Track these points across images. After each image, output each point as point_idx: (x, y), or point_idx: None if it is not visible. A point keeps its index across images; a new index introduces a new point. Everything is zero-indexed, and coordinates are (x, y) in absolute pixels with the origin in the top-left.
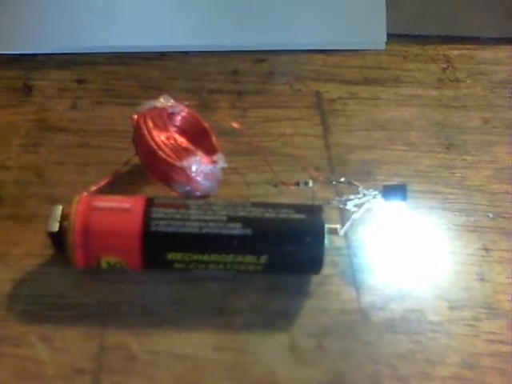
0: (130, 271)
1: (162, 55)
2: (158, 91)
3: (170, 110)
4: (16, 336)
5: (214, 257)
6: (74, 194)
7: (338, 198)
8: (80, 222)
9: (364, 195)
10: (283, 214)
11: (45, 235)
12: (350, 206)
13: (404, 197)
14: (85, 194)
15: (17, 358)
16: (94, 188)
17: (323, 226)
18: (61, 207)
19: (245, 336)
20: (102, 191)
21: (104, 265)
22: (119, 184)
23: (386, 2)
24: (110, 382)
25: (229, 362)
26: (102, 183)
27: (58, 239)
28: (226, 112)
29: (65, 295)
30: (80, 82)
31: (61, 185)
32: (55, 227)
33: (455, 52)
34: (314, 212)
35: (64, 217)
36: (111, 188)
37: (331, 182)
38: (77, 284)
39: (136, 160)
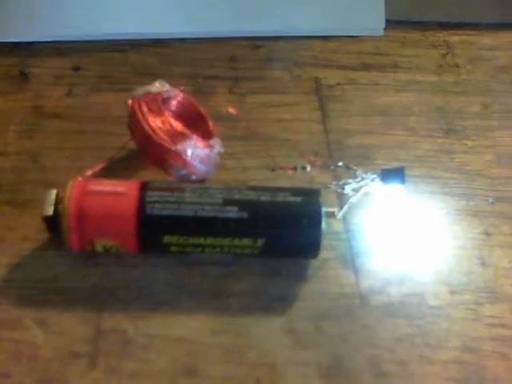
0: (126, 255)
1: (158, 42)
2: (154, 78)
3: (165, 95)
4: (12, 320)
5: (210, 240)
6: (69, 179)
7: (335, 182)
8: (74, 205)
9: (362, 179)
10: (280, 197)
11: (41, 220)
12: (347, 189)
13: (402, 180)
14: (79, 178)
15: (12, 342)
16: (89, 173)
17: (320, 208)
18: (55, 191)
19: (242, 319)
20: (97, 176)
21: (99, 248)
22: (115, 169)
23: None
24: (106, 365)
25: (226, 345)
26: (98, 168)
27: (53, 223)
28: (224, 98)
29: (61, 279)
30: (76, 69)
31: (57, 170)
32: (50, 211)
33: (455, 38)
34: (310, 195)
35: (58, 201)
36: (107, 173)
37: (329, 167)
38: (73, 268)
39: (132, 145)
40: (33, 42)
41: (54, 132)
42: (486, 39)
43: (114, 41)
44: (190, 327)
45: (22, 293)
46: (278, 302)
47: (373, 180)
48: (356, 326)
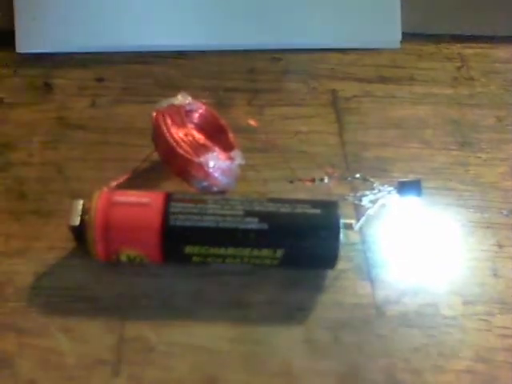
0: (149, 265)
1: (179, 54)
2: (176, 89)
3: (187, 108)
4: (38, 327)
5: (231, 250)
6: (93, 190)
7: (353, 194)
8: (100, 216)
9: (379, 191)
10: (299, 209)
11: (66, 229)
12: (365, 201)
13: (419, 192)
14: (105, 189)
15: (39, 349)
16: (114, 183)
17: (338, 220)
18: (82, 202)
19: (261, 328)
20: (121, 187)
21: (123, 258)
22: (138, 180)
23: (401, 1)
24: (129, 372)
25: (245, 353)
26: (122, 179)
27: (79, 233)
28: (243, 110)
29: (85, 288)
30: (99, 80)
31: (81, 181)
32: (76, 221)
33: (470, 51)
34: (329, 207)
35: (85, 211)
36: (131, 184)
37: (346, 179)
38: (97, 277)
39: (155, 157)
40: (57, 54)
41: (78, 143)
42: (501, 52)
43: (137, 52)
44: (211, 336)
45: (49, 301)
46: (297, 312)
47: (389, 192)
48: (372, 335)
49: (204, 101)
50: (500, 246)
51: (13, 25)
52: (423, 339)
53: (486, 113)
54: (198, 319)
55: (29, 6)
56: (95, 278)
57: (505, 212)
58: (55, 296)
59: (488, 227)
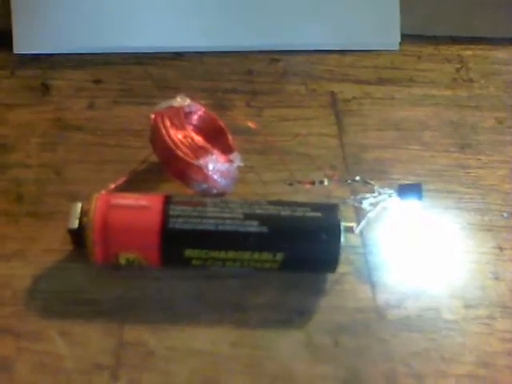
0: (148, 267)
1: (177, 55)
2: (174, 91)
3: (186, 109)
4: (36, 331)
5: (230, 254)
6: (91, 192)
7: (353, 197)
8: (99, 218)
9: (379, 194)
10: (299, 212)
11: (64, 232)
12: (365, 204)
13: (419, 196)
14: (103, 191)
15: (36, 353)
16: (112, 186)
17: (339, 224)
18: (80, 204)
19: (261, 332)
20: (120, 189)
21: (123, 261)
22: (137, 182)
23: (400, 3)
24: (128, 376)
25: (245, 357)
26: (120, 181)
27: (78, 236)
28: (242, 111)
29: (84, 291)
30: (97, 81)
31: (79, 183)
32: (75, 224)
33: (469, 52)
34: (329, 210)
35: (83, 214)
36: (129, 186)
37: (346, 181)
38: (96, 280)
39: (153, 158)
40: (54, 54)
41: (76, 144)
42: (500, 53)
43: (134, 54)
44: (210, 340)
45: (47, 304)
46: (297, 316)
47: (390, 195)
48: (373, 339)
49: (203, 102)
50: (501, 248)
51: (10, 25)
52: (424, 343)
53: (485, 115)
54: (198, 323)
55: (26, 7)
56: (94, 280)
57: (505, 215)
58: (53, 299)
59: (488, 230)
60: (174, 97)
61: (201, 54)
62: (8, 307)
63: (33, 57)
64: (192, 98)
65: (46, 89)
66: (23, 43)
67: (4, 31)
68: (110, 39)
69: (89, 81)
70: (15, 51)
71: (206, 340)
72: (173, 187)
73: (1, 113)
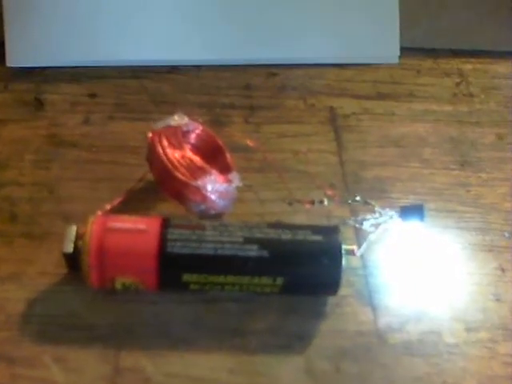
0: (145, 292)
1: (173, 69)
2: (170, 106)
3: (184, 128)
4: (30, 357)
5: (229, 278)
6: (86, 211)
7: (353, 218)
8: (95, 242)
9: (380, 215)
10: (300, 236)
11: (59, 254)
12: (366, 225)
13: (421, 217)
14: (99, 213)
15: (31, 380)
16: (108, 207)
17: (340, 247)
18: (75, 227)
19: (261, 358)
20: (116, 209)
21: (119, 286)
22: (133, 201)
23: (399, 16)
24: None
25: None
26: (116, 202)
27: (73, 259)
28: (239, 127)
29: (79, 315)
30: (92, 96)
31: (73, 201)
32: (70, 248)
33: (468, 66)
34: (330, 233)
35: (78, 237)
36: (125, 205)
37: (347, 201)
38: (91, 304)
39: (149, 177)
40: (47, 68)
41: (71, 162)
42: (500, 67)
43: (129, 67)
44: (209, 366)
45: (41, 329)
46: (297, 340)
47: (391, 217)
48: (374, 365)
49: (201, 120)
50: (502, 269)
51: (3, 38)
52: (426, 368)
53: (485, 131)
54: (196, 348)
55: (19, 20)
56: (89, 305)
57: (506, 234)
58: (48, 324)
59: (490, 250)
60: (171, 112)
61: (197, 68)
62: (2, 332)
63: (26, 70)
64: (189, 115)
65: (39, 103)
66: (16, 56)
67: None
68: (104, 52)
69: (84, 95)
70: (8, 64)
71: (204, 367)
72: (170, 207)
73: None
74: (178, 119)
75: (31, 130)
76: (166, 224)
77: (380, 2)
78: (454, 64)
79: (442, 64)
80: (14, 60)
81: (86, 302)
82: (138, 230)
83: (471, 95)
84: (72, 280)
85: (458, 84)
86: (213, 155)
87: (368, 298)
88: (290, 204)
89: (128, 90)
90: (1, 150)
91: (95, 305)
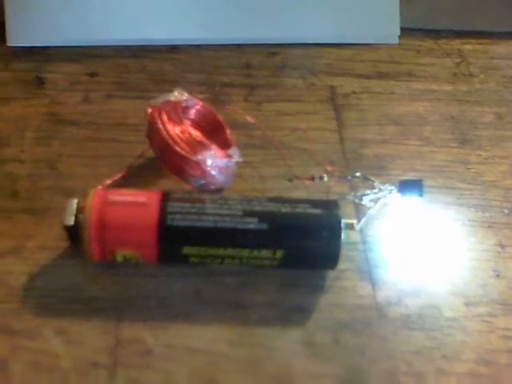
0: (146, 265)
1: (173, 48)
2: (170, 84)
3: (184, 104)
4: (31, 329)
5: (229, 251)
6: (87, 187)
7: (353, 193)
8: (96, 215)
9: (380, 190)
10: (299, 209)
11: (59, 228)
12: (365, 200)
13: (420, 192)
14: (100, 187)
15: (32, 351)
16: (108, 181)
17: (340, 221)
18: (76, 201)
19: (260, 330)
20: (116, 185)
21: (119, 258)
22: (133, 177)
23: None
24: (126, 375)
25: (244, 356)
26: (117, 177)
27: (74, 233)
28: (240, 106)
29: (80, 288)
30: (91, 75)
31: (74, 178)
32: (71, 221)
33: (469, 46)
34: (330, 207)
35: (79, 210)
36: (125, 181)
37: (346, 177)
38: (92, 277)
39: (149, 153)
40: (48, 47)
41: (71, 139)
42: (500, 48)
43: (129, 46)
44: (209, 338)
45: (42, 302)
46: (296, 313)
47: (390, 191)
48: (373, 338)
49: (200, 97)
50: (502, 245)
51: (3, 18)
52: (425, 341)
53: (485, 110)
54: (196, 321)
55: (18, 0)
56: (90, 278)
57: (506, 211)
58: (49, 297)
59: (489, 226)
60: (171, 91)
61: (197, 47)
62: (3, 304)
63: (27, 49)
64: (188, 92)
65: (40, 82)
66: (17, 36)
67: None
68: (104, 32)
69: (84, 74)
70: (9, 44)
71: (205, 338)
72: (170, 183)
73: None
74: (177, 95)
75: (32, 108)
76: (166, 197)
77: None
78: (455, 44)
79: (442, 44)
80: (14, 39)
81: (87, 276)
82: (138, 203)
83: (471, 75)
84: (73, 254)
85: (458, 64)
86: (213, 131)
87: (367, 273)
88: (290, 180)
89: (128, 69)
90: (2, 127)
91: (96, 278)
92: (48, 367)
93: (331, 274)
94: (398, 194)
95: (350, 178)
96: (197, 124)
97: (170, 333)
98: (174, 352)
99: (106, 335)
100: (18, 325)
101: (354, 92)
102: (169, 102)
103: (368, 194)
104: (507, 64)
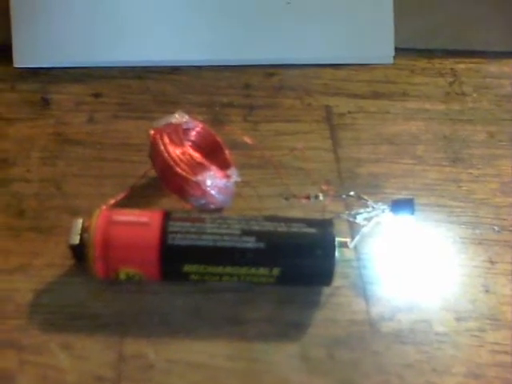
0: (148, 282)
1: (175, 69)
2: (172, 105)
3: (184, 126)
4: (37, 344)
5: (228, 269)
6: (91, 206)
7: (347, 212)
8: (100, 235)
9: (373, 209)
10: (295, 228)
11: (65, 246)
12: (359, 219)
13: (412, 210)
14: (104, 207)
15: (38, 366)
16: (112, 201)
17: (334, 239)
18: (81, 220)
19: (258, 345)
20: (119, 204)
21: (123, 276)
22: (136, 196)
23: (394, 17)
24: None
25: (242, 370)
26: (120, 196)
27: (79, 251)
28: (238, 126)
29: (85, 305)
30: (96, 95)
31: (79, 197)
32: (76, 240)
33: (462, 66)
34: (324, 226)
35: (84, 229)
36: (128, 200)
37: (341, 196)
38: (96, 294)
39: (152, 173)
40: (53, 68)
41: (76, 159)
42: (492, 67)
43: (132, 68)
44: (208, 353)
45: (48, 318)
46: (293, 329)
47: (383, 210)
48: (367, 352)
49: (201, 118)
50: (492, 262)
51: (10, 39)
52: (416, 355)
53: (477, 128)
54: (196, 336)
55: (26, 21)
56: (95, 295)
57: (496, 228)
58: (55, 313)
59: (480, 243)
60: (172, 112)
61: (198, 68)
62: (11, 321)
63: (32, 71)
64: (190, 114)
65: (45, 103)
66: (23, 57)
67: (4, 45)
68: (108, 53)
69: (88, 95)
70: (15, 65)
71: (204, 353)
72: (171, 202)
73: (1, 127)
74: (178, 117)
75: (38, 128)
76: (167, 217)
77: (375, 4)
78: (448, 64)
79: (435, 64)
80: (20, 61)
81: (92, 293)
82: (141, 222)
83: (464, 94)
84: (78, 271)
85: (451, 83)
86: (212, 152)
87: (361, 289)
88: (287, 199)
89: (131, 90)
90: (9, 147)
91: (100, 295)
92: (54, 381)
93: (326, 290)
94: (391, 213)
95: (344, 196)
96: (197, 145)
97: (172, 348)
98: (175, 366)
99: (110, 350)
100: (26, 340)
101: (349, 112)
102: (170, 124)
103: (362, 213)
104: (500, 83)
